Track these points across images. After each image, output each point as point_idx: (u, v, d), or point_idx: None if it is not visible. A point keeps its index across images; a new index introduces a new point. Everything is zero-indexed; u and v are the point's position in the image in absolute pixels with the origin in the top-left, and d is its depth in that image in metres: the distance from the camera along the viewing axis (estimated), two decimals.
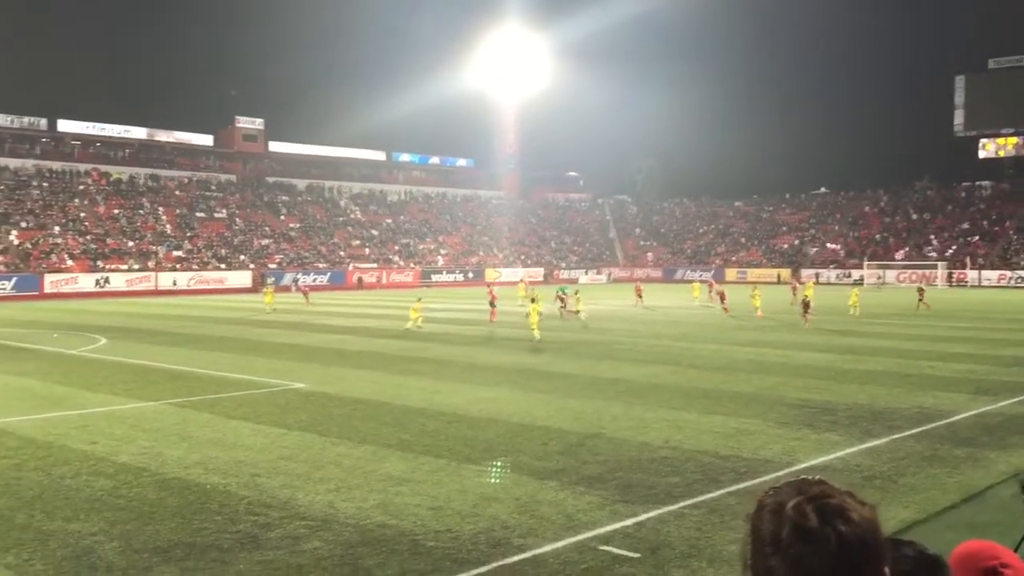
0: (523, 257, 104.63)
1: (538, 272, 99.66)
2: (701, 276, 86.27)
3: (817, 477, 1.69)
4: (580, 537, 9.56)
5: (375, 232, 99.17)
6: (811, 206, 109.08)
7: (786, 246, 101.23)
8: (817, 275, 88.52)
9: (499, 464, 12.81)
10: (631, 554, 9.03)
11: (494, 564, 8.79)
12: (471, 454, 13.47)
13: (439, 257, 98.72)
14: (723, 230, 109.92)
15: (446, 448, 13.85)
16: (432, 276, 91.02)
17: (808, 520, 1.58)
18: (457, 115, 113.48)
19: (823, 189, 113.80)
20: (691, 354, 26.42)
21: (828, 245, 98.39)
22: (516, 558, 8.95)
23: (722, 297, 44.52)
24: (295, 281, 79.75)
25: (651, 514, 10.37)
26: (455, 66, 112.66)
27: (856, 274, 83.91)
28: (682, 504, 10.76)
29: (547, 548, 9.24)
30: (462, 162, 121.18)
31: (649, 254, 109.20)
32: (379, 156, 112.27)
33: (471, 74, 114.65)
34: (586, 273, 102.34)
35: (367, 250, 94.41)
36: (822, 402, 17.83)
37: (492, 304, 40.45)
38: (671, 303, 46.98)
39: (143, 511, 10.57)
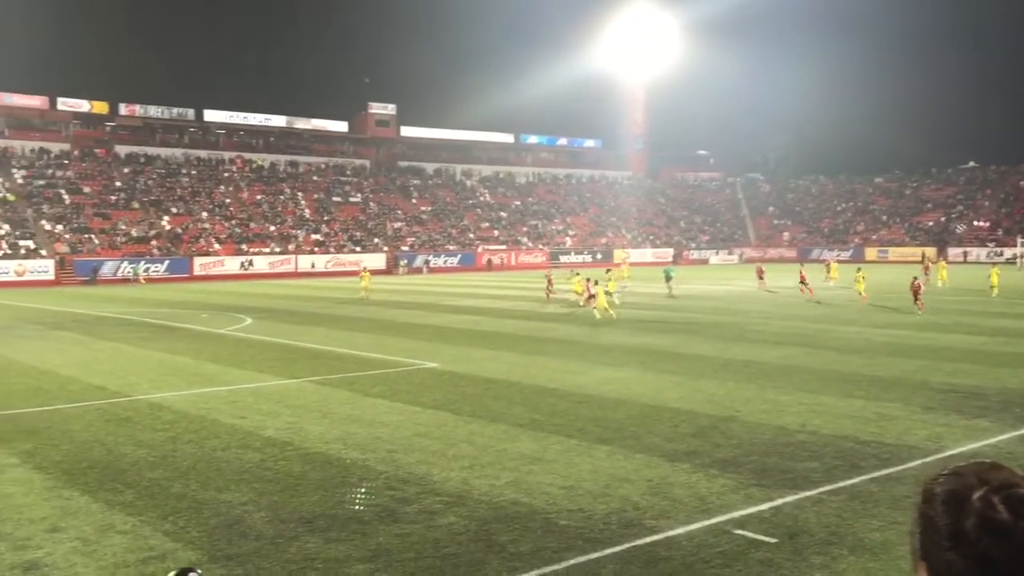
0: (651, 238, 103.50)
1: (667, 253, 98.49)
2: (837, 255, 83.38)
3: (991, 461, 1.57)
4: (714, 520, 9.45)
5: (504, 214, 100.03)
6: (958, 181, 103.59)
7: (931, 224, 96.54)
8: (965, 254, 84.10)
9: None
10: (768, 539, 8.86)
11: (627, 544, 8.79)
12: (602, 434, 13.48)
13: (567, 238, 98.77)
14: (862, 208, 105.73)
15: (576, 428, 13.91)
16: (560, 257, 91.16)
17: (998, 513, 1.47)
18: (585, 96, 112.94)
19: (971, 163, 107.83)
20: (827, 336, 25.60)
21: (977, 223, 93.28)
22: (649, 539, 8.93)
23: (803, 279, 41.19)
24: (426, 263, 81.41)
25: (788, 499, 10.15)
26: (583, 46, 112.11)
27: (1008, 253, 79.29)
28: (821, 490, 10.48)
29: (680, 530, 9.17)
30: (590, 143, 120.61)
31: (785, 233, 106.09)
32: (507, 139, 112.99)
33: (599, 54, 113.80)
34: (716, 253, 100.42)
35: (496, 232, 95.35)
36: (970, 387, 16.98)
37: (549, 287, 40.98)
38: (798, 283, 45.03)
39: (288, 483, 11.06)
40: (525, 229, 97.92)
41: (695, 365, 20.44)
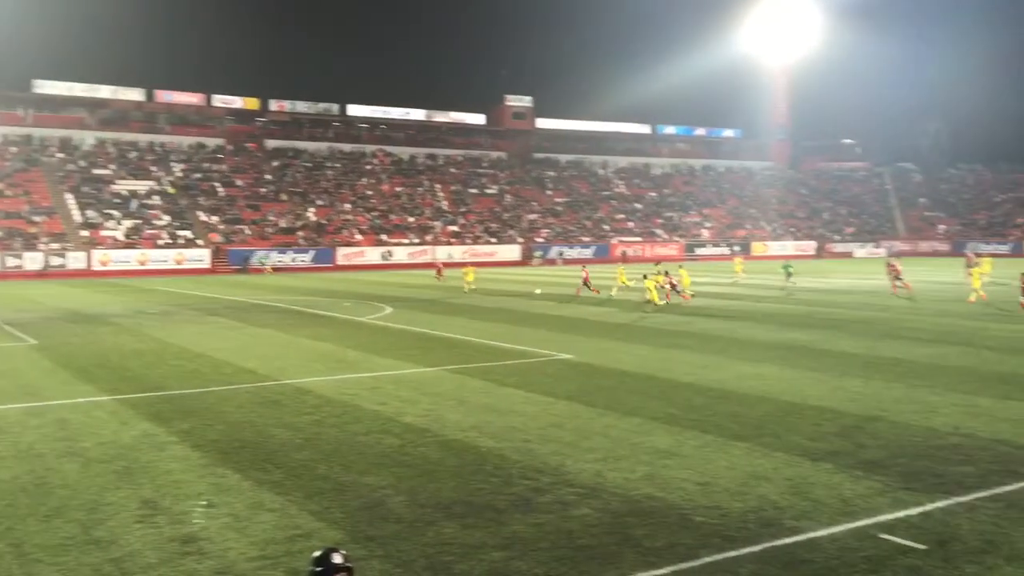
0: (792, 230, 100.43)
1: (810, 246, 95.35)
2: (990, 249, 78.77)
3: None
4: (858, 523, 9.12)
5: (639, 206, 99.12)
6: None
7: None
8: None
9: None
10: (916, 545, 8.48)
11: (765, 544, 8.59)
12: (739, 431, 13.20)
13: (703, 230, 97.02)
14: None
15: (713, 424, 13.67)
16: (696, 249, 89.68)
17: None
18: (723, 85, 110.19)
19: None
20: (984, 334, 24.23)
21: None
22: (789, 540, 8.69)
23: (897, 274, 38.52)
24: (560, 254, 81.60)
25: (939, 504, 9.69)
26: (721, 33, 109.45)
27: None
28: (975, 496, 9.95)
29: (822, 532, 8.89)
30: (728, 133, 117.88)
31: (941, 226, 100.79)
32: (643, 129, 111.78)
33: (738, 40, 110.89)
34: (862, 247, 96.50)
35: (631, 224, 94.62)
36: None
37: (586, 284, 39.41)
38: (949, 278, 42.46)
39: (426, 469, 11.32)
40: (660, 221, 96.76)
41: (839, 362, 19.73)
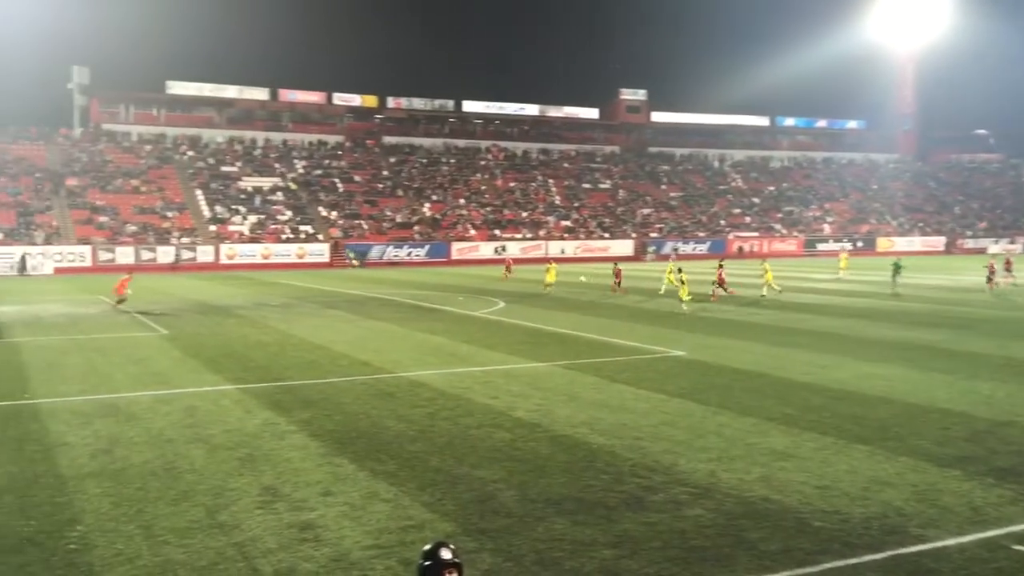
0: (920, 225, 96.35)
1: (938, 241, 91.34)
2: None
3: None
4: (989, 533, 8.67)
5: (756, 200, 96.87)
6: None
7: None
8: None
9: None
10: None
11: (889, 552, 8.26)
12: (861, 433, 12.73)
13: (825, 225, 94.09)
14: None
15: (832, 425, 13.23)
16: (817, 245, 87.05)
17: None
18: (846, 74, 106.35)
19: None
20: None
21: None
22: (914, 548, 8.34)
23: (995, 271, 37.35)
24: (674, 250, 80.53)
25: None
26: (844, 21, 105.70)
27: None
28: None
29: (950, 542, 8.49)
30: (852, 124, 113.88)
31: None
32: (762, 121, 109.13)
33: (862, 28, 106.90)
34: (996, 242, 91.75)
35: (748, 218, 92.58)
36: None
37: (618, 281, 38.65)
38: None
39: (537, 464, 11.33)
40: (779, 215, 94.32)
41: (969, 363, 18.82)
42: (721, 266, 36.18)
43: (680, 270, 34.69)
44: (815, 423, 13.38)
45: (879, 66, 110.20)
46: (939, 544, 8.43)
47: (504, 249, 76.49)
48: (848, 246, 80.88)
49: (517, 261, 70.47)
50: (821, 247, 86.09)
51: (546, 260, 50.28)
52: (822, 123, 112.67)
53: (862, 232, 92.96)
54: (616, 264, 41.83)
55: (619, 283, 38.74)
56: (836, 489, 10.14)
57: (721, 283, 34.98)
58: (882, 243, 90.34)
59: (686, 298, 32.04)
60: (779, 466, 11.09)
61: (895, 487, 10.19)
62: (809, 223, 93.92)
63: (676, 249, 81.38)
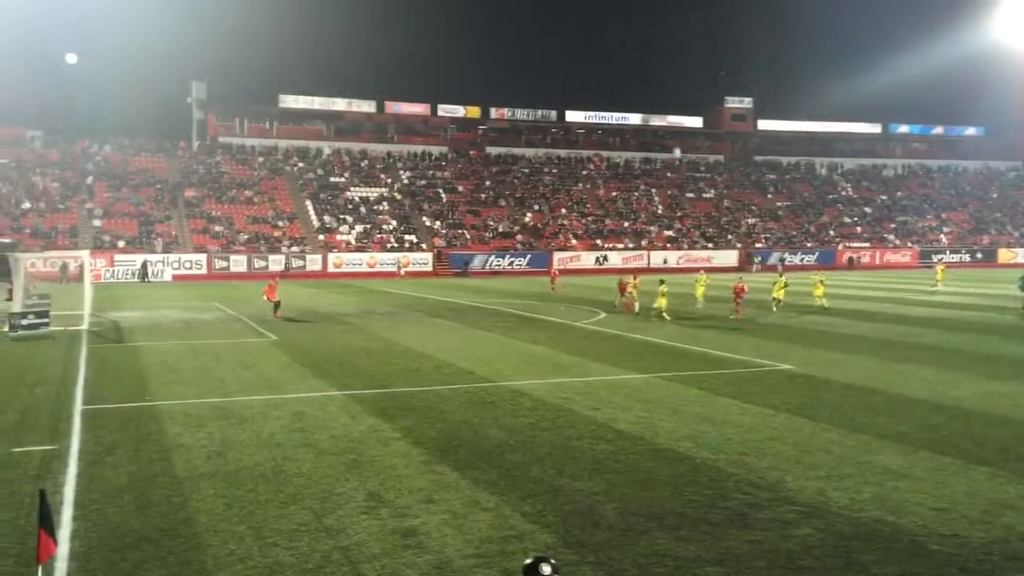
0: None
1: None
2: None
3: None
4: None
5: (868, 209, 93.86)
6: None
7: None
8: None
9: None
10: None
11: None
12: (981, 454, 12.16)
13: (941, 236, 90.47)
14: None
15: (950, 444, 12.67)
16: (933, 256, 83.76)
17: None
18: (965, 78, 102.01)
19: None
20: None
21: None
22: None
23: None
24: (781, 260, 78.71)
25: None
26: (963, 22, 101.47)
27: None
28: None
29: None
30: (971, 131, 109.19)
31: None
32: (874, 129, 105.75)
33: (982, 30, 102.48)
34: None
35: (859, 228, 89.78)
36: None
37: (622, 293, 35.14)
38: None
39: (639, 477, 11.20)
40: (892, 226, 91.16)
41: None
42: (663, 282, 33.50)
43: (662, 282, 33.54)
44: (931, 442, 12.84)
45: (1000, 70, 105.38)
46: None
47: (606, 259, 76.13)
48: (945, 258, 77.51)
49: (618, 271, 70.03)
50: (938, 258, 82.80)
51: (628, 271, 48.25)
52: (939, 130, 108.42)
53: (981, 243, 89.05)
54: (628, 277, 37.14)
55: (628, 295, 34.76)
56: (954, 511, 9.70)
57: (738, 296, 32.68)
58: (1003, 254, 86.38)
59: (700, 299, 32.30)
60: (893, 486, 10.68)
61: (1018, 511, 9.69)
62: (924, 233, 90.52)
63: (783, 260, 79.55)
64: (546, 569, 4.69)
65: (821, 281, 36.40)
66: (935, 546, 8.69)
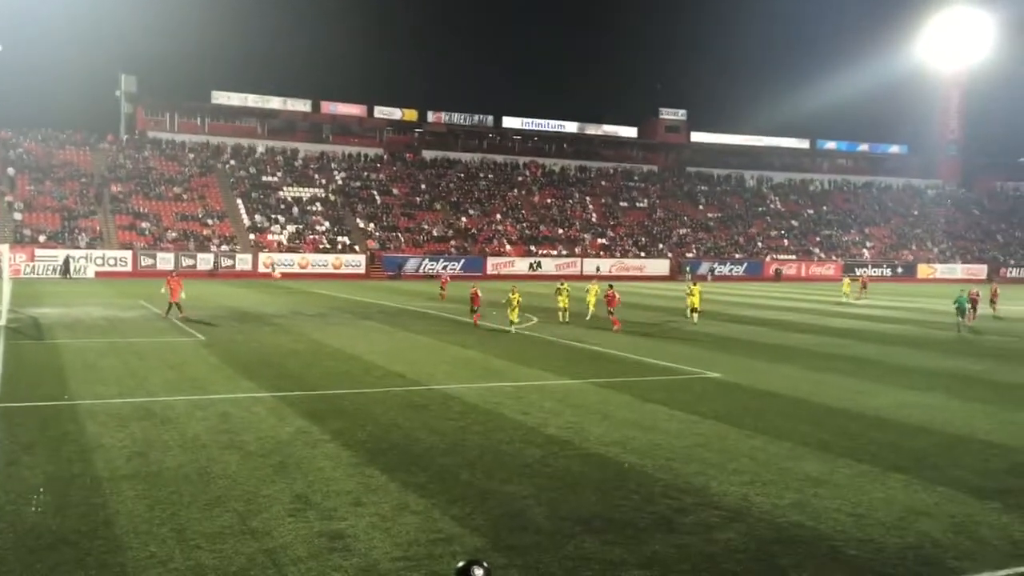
0: (963, 252, 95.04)
1: (980, 269, 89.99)
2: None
3: None
4: None
5: (795, 223, 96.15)
6: None
7: None
8: None
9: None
10: None
11: None
12: (897, 462, 12.53)
13: (864, 250, 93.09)
14: None
15: (869, 453, 13.04)
16: (856, 270, 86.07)
17: None
18: (889, 98, 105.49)
19: None
20: None
21: None
22: None
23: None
24: (711, 271, 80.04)
25: None
26: (887, 45, 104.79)
27: None
28: None
29: (987, 575, 8.32)
30: (894, 148, 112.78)
31: None
32: (802, 144, 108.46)
33: (905, 52, 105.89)
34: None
35: (786, 241, 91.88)
36: None
37: (474, 308, 31.96)
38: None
39: (568, 481, 11.28)
40: (818, 239, 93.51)
41: (1012, 394, 18.49)
42: (611, 286, 33.00)
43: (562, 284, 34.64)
44: (851, 450, 13.19)
45: (923, 90, 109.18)
46: None
47: (539, 265, 76.49)
48: (867, 272, 79.77)
49: (550, 278, 70.33)
50: (860, 272, 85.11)
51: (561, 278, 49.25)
52: (864, 147, 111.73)
53: (902, 258, 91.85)
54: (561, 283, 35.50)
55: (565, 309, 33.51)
56: (871, 518, 9.98)
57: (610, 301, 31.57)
58: (923, 270, 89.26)
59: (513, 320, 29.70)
60: (813, 492, 10.95)
61: (932, 517, 10.02)
62: (848, 247, 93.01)
63: (712, 270, 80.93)
64: (478, 572, 4.67)
65: (690, 292, 36.49)
66: (852, 551, 8.93)
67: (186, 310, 32.16)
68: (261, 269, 67.93)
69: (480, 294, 32.57)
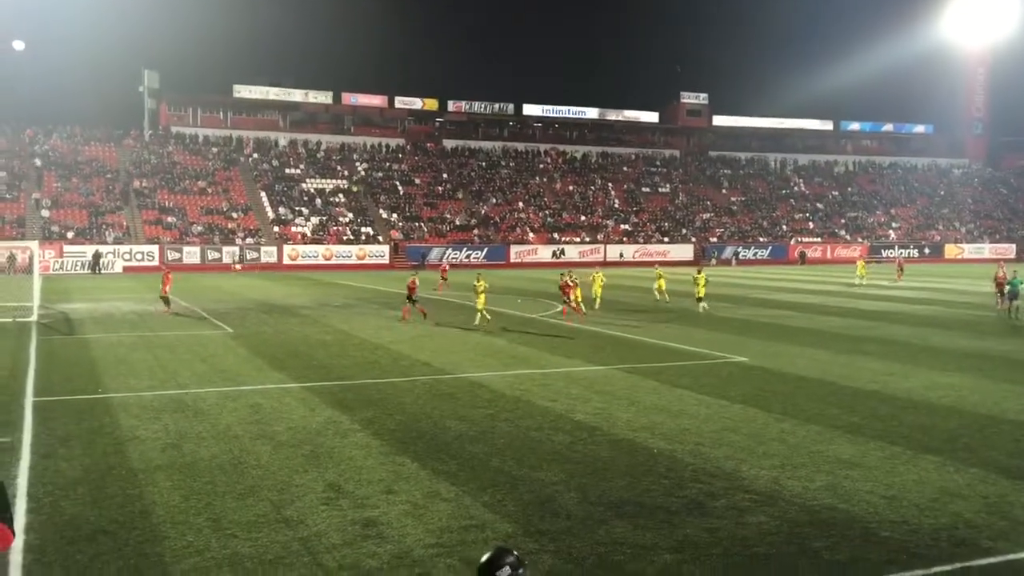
0: (991, 232, 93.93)
1: (1008, 248, 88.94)
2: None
3: None
4: None
5: (820, 205, 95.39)
6: None
7: None
8: None
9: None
10: None
11: (958, 564, 8.08)
12: (930, 443, 12.47)
13: (890, 231, 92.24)
14: None
15: (900, 435, 12.97)
16: (882, 251, 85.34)
17: None
18: (914, 77, 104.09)
19: None
20: None
21: None
22: (984, 561, 8.15)
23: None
24: (735, 255, 79.64)
25: None
26: (911, 23, 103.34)
27: None
28: None
29: (1022, 555, 8.28)
30: (919, 128, 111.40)
31: None
32: (826, 125, 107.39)
33: (930, 31, 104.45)
34: None
35: (811, 224, 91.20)
36: None
37: (410, 298, 29.89)
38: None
39: (597, 467, 11.31)
40: (843, 221, 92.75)
41: None
42: (563, 275, 30.97)
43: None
44: (882, 432, 13.13)
45: (948, 69, 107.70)
46: (1010, 557, 8.24)
47: (563, 252, 76.38)
48: (895, 253, 79.05)
49: (574, 264, 70.27)
50: (887, 253, 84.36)
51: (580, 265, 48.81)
52: (888, 127, 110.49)
53: (929, 238, 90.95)
54: (569, 273, 31.27)
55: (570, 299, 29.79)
56: (904, 499, 9.94)
57: (565, 292, 29.70)
58: (950, 250, 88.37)
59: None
60: (845, 475, 10.92)
61: (965, 499, 9.97)
62: (874, 229, 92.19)
63: (737, 254, 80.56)
64: (505, 572, 4.51)
65: (660, 275, 36.03)
66: (886, 532, 8.91)
67: (212, 304, 32.44)
68: (286, 261, 68.35)
69: (417, 284, 30.98)
